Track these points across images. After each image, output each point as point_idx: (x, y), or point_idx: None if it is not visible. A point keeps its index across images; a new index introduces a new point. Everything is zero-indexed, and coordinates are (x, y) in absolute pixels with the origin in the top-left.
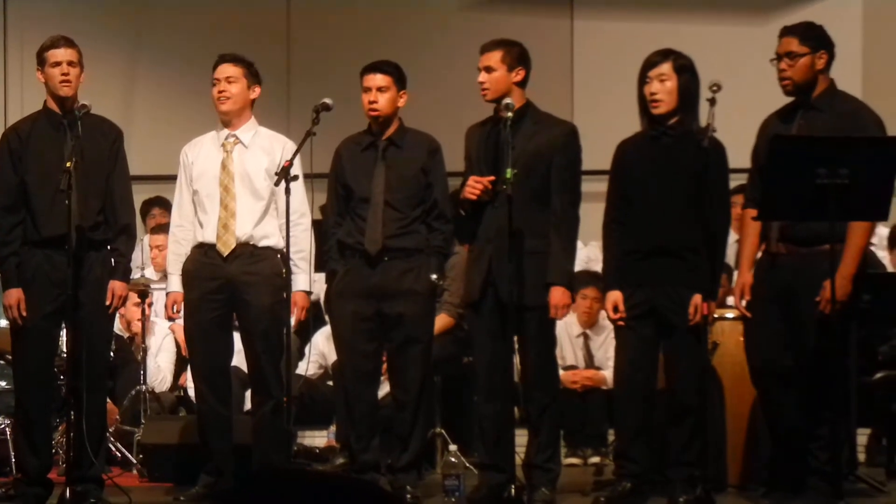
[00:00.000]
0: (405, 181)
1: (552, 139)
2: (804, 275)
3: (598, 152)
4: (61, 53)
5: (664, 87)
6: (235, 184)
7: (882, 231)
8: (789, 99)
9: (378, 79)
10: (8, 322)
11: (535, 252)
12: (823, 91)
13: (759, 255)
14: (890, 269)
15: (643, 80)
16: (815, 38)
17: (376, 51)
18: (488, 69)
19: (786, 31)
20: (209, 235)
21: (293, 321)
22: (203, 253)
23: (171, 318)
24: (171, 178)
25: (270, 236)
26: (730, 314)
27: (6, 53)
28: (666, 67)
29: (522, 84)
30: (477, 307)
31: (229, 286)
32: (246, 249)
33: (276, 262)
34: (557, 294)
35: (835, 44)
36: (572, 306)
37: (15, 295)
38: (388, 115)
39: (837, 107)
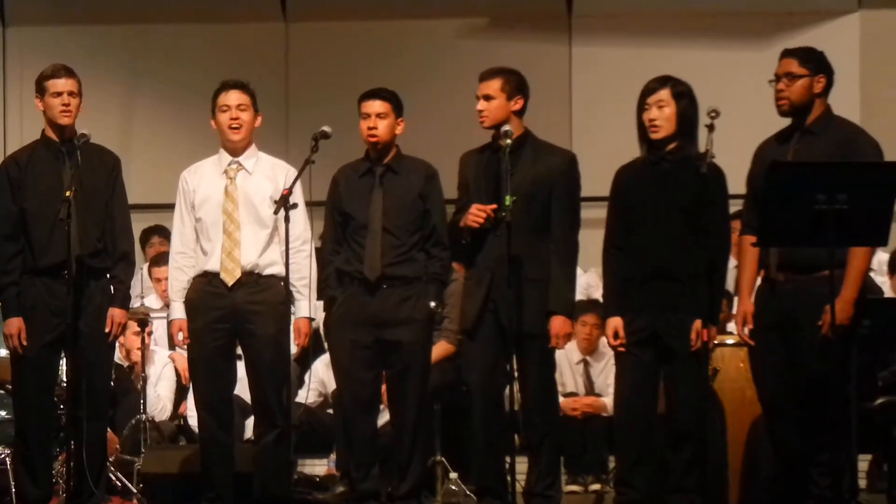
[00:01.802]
0: (402, 207)
1: (552, 167)
2: (804, 302)
3: (596, 179)
4: (62, 83)
5: (662, 114)
6: (240, 211)
7: (882, 256)
8: (787, 124)
9: (377, 105)
10: (8, 351)
11: (536, 279)
12: (820, 115)
13: (759, 281)
14: (889, 294)
15: (642, 106)
16: (816, 61)
17: (374, 78)
18: (487, 97)
19: (786, 53)
20: (213, 264)
21: (296, 348)
22: (207, 282)
23: (177, 346)
24: (171, 207)
25: (275, 264)
26: (730, 340)
27: (5, 81)
28: (664, 94)
29: (521, 113)
30: (473, 334)
31: (234, 315)
32: (251, 278)
33: (280, 291)
34: (558, 323)
35: (834, 71)
36: (572, 333)
37: (15, 324)
38: (387, 141)
39: (834, 131)
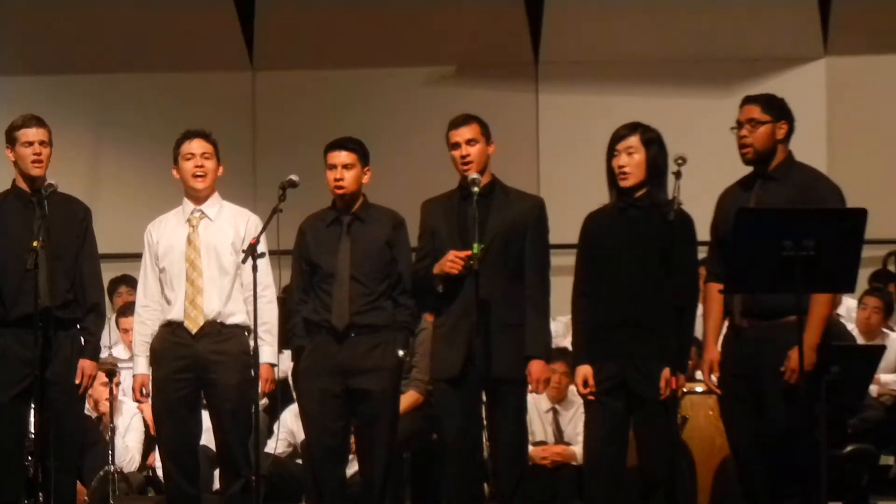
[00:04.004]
0: (370, 255)
1: (524, 212)
2: (767, 348)
3: (563, 226)
4: (33, 133)
5: (632, 160)
6: (202, 258)
7: (850, 303)
8: (751, 171)
9: (343, 156)
10: None
11: (513, 324)
12: (781, 161)
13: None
14: (858, 339)
15: (611, 153)
16: (777, 108)
17: (342, 126)
18: (471, 142)
19: (748, 100)
20: (176, 313)
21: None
22: (171, 331)
23: (138, 401)
24: (138, 257)
25: (237, 313)
26: (699, 388)
27: None
28: (634, 140)
29: (488, 157)
30: (457, 382)
31: (197, 365)
32: (214, 328)
33: (243, 340)
34: (537, 367)
35: (795, 118)
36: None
37: None
38: (353, 191)
39: (795, 177)
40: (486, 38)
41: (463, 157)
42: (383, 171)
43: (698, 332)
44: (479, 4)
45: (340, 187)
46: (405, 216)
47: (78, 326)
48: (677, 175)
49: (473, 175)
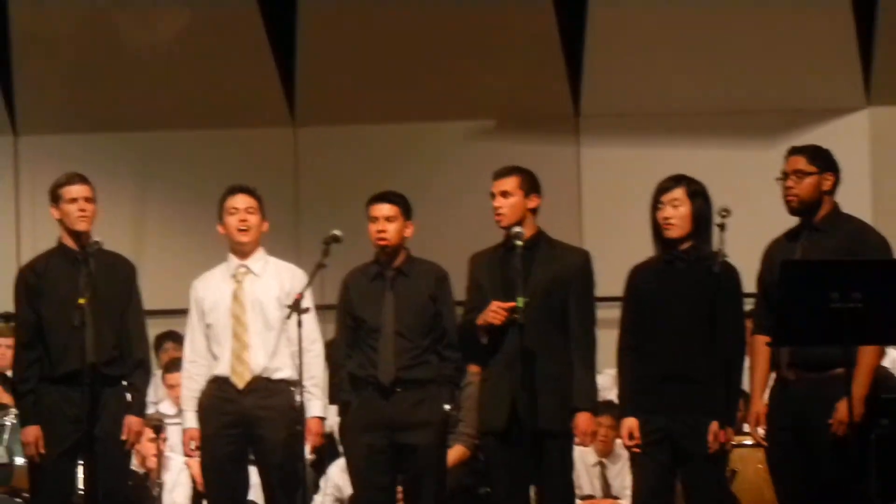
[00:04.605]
0: (414, 310)
1: (570, 265)
2: (815, 400)
3: (607, 279)
4: (77, 190)
5: (677, 213)
6: (248, 314)
7: (894, 354)
8: (798, 222)
9: (385, 209)
10: (25, 460)
11: (557, 377)
12: (827, 213)
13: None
14: None
15: (656, 205)
16: (823, 159)
17: (384, 181)
18: (505, 194)
19: (794, 151)
20: (223, 368)
21: (308, 448)
22: (217, 387)
23: (189, 455)
24: (183, 312)
25: (284, 368)
26: (748, 441)
27: (18, 190)
28: (679, 192)
29: (535, 211)
30: (504, 436)
31: (244, 421)
32: (261, 383)
33: (290, 395)
34: (584, 419)
35: (841, 169)
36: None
37: (33, 433)
38: (395, 244)
39: (841, 228)
40: (527, 92)
41: (495, 208)
42: (425, 225)
43: (745, 384)
44: (519, 58)
45: (383, 239)
46: (450, 270)
47: (124, 383)
48: (721, 227)
49: (517, 229)
